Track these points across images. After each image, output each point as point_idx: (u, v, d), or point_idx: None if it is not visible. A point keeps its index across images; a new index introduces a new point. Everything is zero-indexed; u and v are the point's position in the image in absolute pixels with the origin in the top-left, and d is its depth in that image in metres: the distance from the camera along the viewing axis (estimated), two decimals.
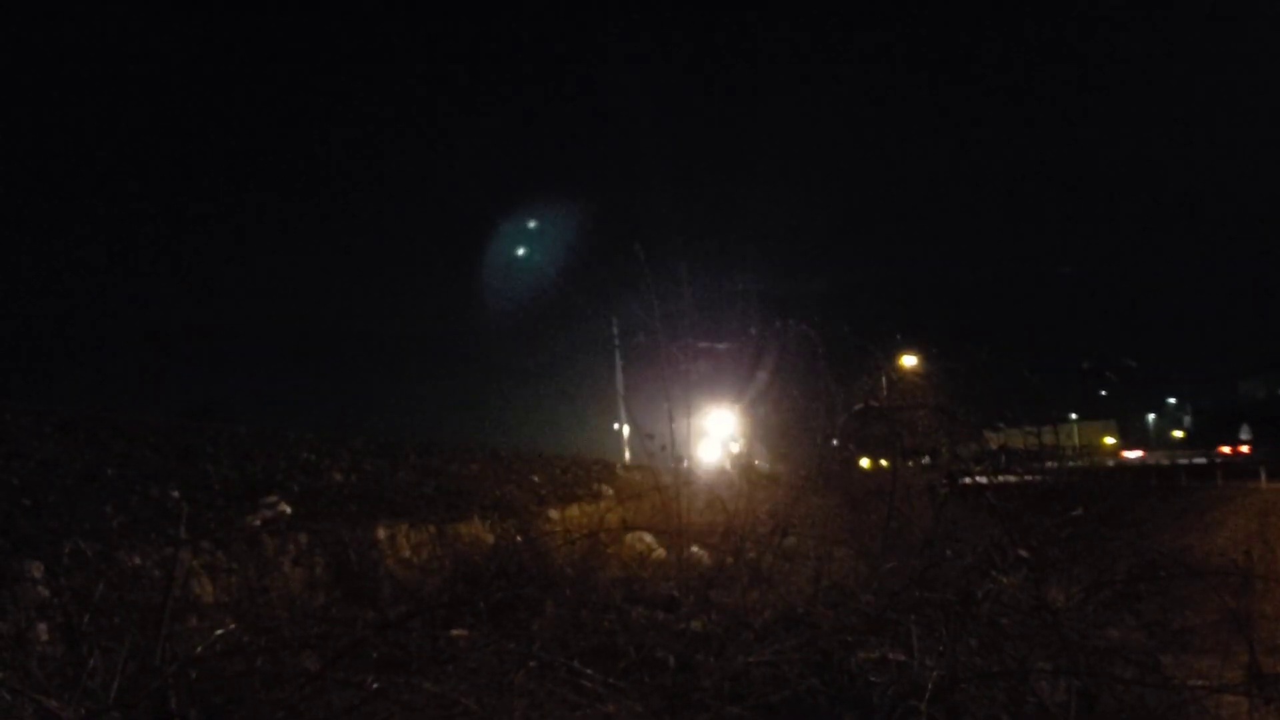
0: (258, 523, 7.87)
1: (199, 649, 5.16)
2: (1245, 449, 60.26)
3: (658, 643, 6.17)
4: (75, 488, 7.00)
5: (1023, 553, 7.13)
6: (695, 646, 6.08)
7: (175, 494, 7.71)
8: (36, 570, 5.51)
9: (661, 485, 9.43)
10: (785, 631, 6.34)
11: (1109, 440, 71.73)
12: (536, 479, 15.64)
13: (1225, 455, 56.44)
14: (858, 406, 9.37)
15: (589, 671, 5.50)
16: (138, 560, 6.13)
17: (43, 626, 5.24)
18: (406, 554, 9.38)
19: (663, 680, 5.76)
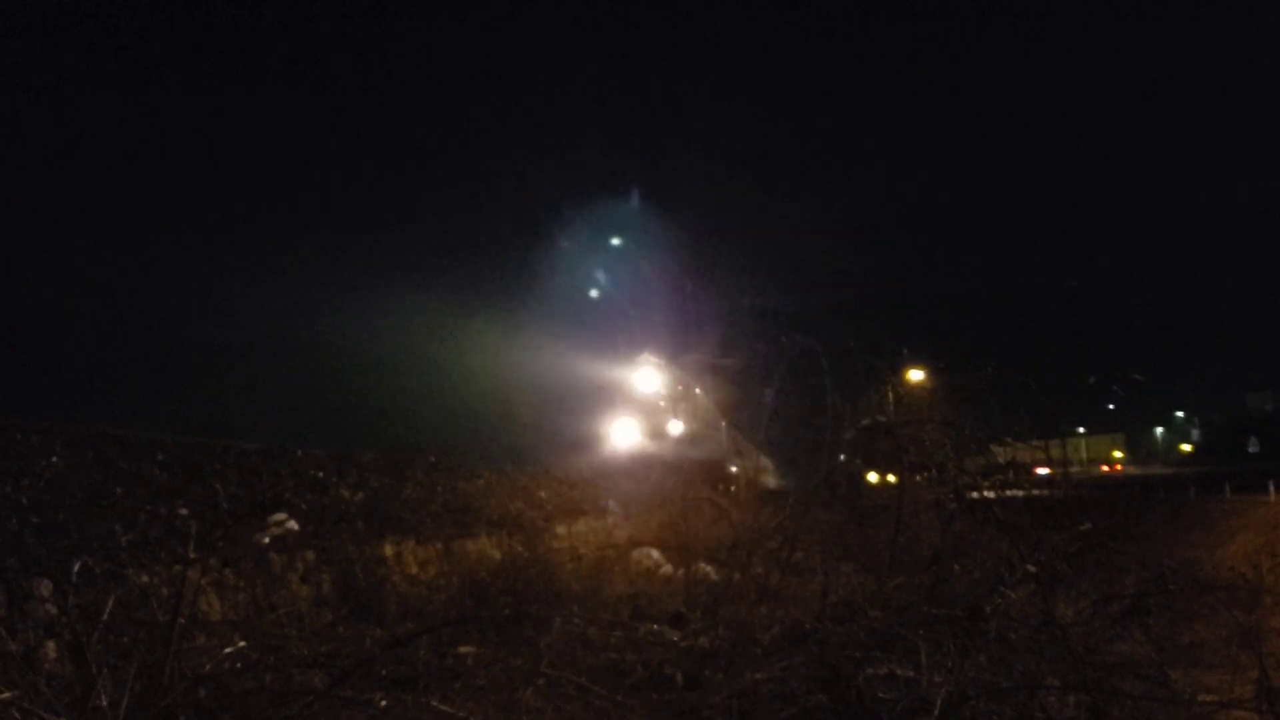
0: (266, 540, 7.88)
1: (207, 667, 5.16)
2: (1119, 466, 61.06)
3: (665, 659, 6.17)
4: (84, 506, 7.01)
5: (1030, 568, 7.11)
6: (703, 663, 6.08)
7: (183, 512, 7.71)
8: (45, 589, 5.52)
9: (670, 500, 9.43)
10: (793, 648, 6.33)
11: (1116, 454, 71.42)
12: (543, 494, 15.62)
13: (1104, 473, 56.91)
14: (865, 421, 9.38)
15: (597, 688, 5.49)
16: (146, 579, 6.13)
17: (51, 645, 5.25)
18: (414, 571, 9.39)
19: (671, 697, 5.76)
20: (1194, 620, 8.55)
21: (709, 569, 9.53)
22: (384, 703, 4.97)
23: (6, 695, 4.34)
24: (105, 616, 5.32)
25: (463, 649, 6.53)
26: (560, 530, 12.91)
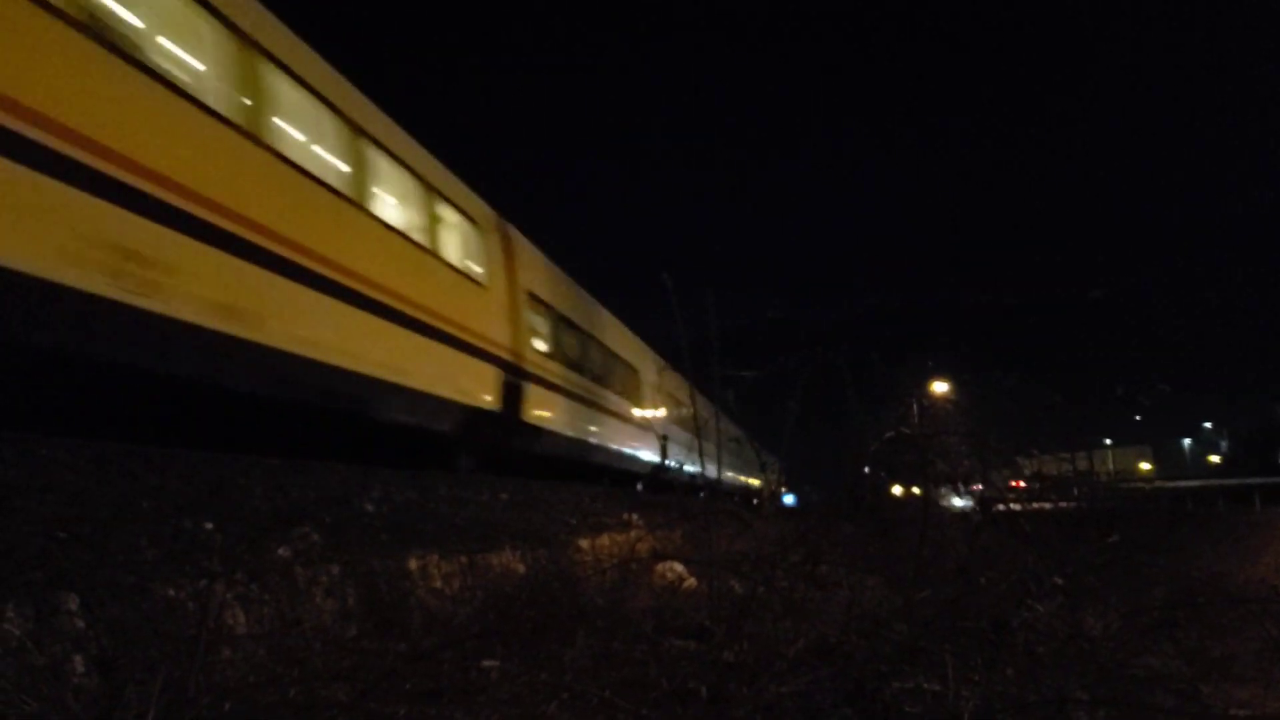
0: (289, 554, 7.91)
1: (233, 680, 5.18)
2: (1019, 483, 60.13)
3: (690, 673, 6.14)
4: (109, 520, 7.05)
5: (1058, 580, 7.06)
6: (727, 677, 6.04)
7: (208, 526, 7.75)
8: (72, 602, 5.55)
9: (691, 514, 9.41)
10: (818, 661, 6.29)
11: (1144, 466, 70.90)
12: (564, 508, 15.62)
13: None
14: (889, 434, 9.35)
15: (622, 702, 5.47)
16: (172, 592, 6.16)
17: (79, 659, 5.28)
18: (438, 584, 9.39)
19: (695, 711, 5.72)
20: (1225, 633, 8.47)
21: (733, 582, 9.50)
22: (408, 716, 4.98)
23: (34, 708, 4.37)
24: (132, 631, 5.36)
25: (487, 662, 6.52)
26: (583, 544, 12.89)
